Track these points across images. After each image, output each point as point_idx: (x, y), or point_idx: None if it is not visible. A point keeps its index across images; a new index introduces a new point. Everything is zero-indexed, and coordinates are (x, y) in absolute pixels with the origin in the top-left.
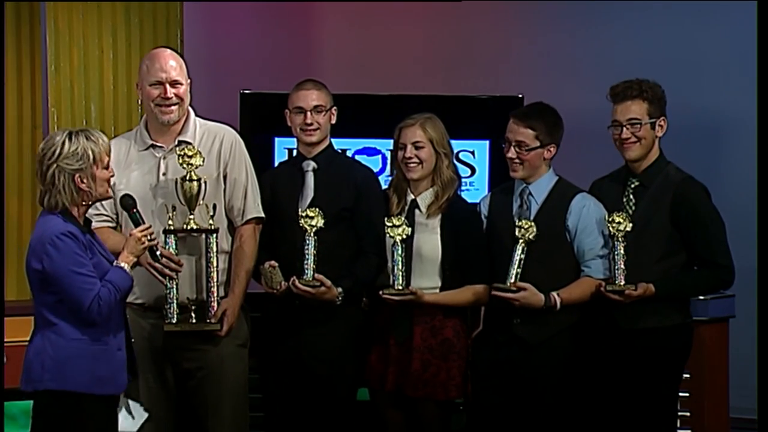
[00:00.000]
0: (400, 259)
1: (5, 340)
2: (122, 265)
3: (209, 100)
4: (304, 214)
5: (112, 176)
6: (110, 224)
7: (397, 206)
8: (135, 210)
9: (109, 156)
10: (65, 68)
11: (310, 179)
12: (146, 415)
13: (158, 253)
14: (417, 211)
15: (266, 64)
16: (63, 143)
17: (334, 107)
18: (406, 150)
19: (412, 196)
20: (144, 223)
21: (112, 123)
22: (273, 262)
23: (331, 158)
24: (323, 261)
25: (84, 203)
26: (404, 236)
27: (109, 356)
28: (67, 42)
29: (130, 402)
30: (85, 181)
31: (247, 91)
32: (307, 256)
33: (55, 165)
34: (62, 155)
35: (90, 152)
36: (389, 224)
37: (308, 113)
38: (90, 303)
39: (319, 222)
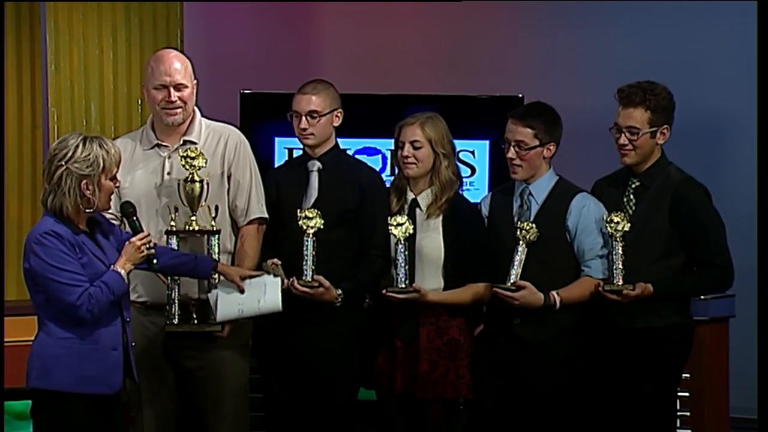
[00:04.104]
0: (402, 257)
1: (5, 340)
2: (119, 270)
3: (209, 100)
4: (303, 215)
5: (118, 187)
6: (115, 222)
7: (396, 204)
8: (135, 218)
9: (118, 167)
10: (65, 68)
11: (314, 179)
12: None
13: (155, 261)
14: (418, 210)
15: (266, 64)
16: (77, 147)
17: (339, 109)
18: (404, 148)
19: (413, 195)
20: (143, 230)
21: (112, 123)
22: (276, 260)
23: (337, 159)
24: (326, 261)
25: (85, 210)
26: (407, 234)
27: (100, 356)
28: (67, 42)
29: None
30: (90, 187)
31: (247, 91)
32: (306, 257)
33: (64, 167)
34: (73, 158)
35: (101, 160)
36: (393, 223)
37: (302, 118)
38: (78, 299)
39: (318, 223)
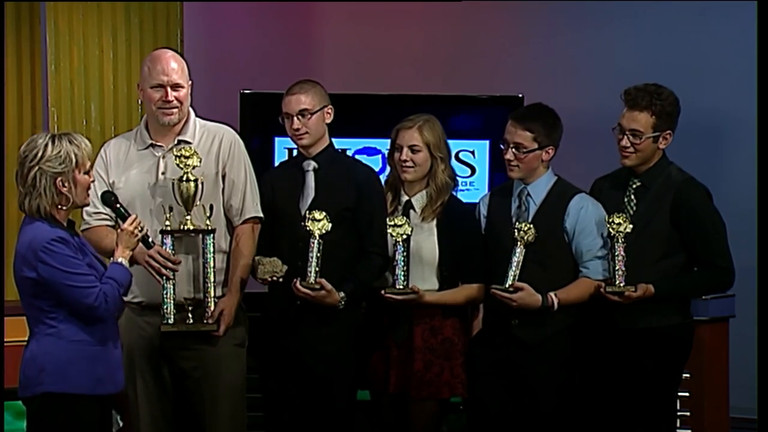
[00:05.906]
0: (402, 258)
1: (5, 340)
2: (120, 260)
3: (209, 100)
4: (310, 216)
5: (93, 182)
6: (109, 223)
7: (390, 205)
8: (118, 205)
9: (91, 161)
10: (65, 68)
11: (310, 179)
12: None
13: (150, 240)
14: (412, 212)
15: (266, 64)
16: (46, 146)
17: (329, 106)
18: (402, 152)
19: (407, 197)
20: (130, 215)
21: (112, 123)
22: (264, 258)
23: (332, 158)
24: (325, 261)
25: (63, 207)
26: (406, 236)
27: (108, 355)
28: (67, 42)
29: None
30: (66, 185)
31: (247, 91)
32: (310, 259)
33: (36, 167)
34: (44, 158)
35: (72, 156)
36: (391, 224)
37: (294, 119)
38: (95, 300)
39: (326, 225)
